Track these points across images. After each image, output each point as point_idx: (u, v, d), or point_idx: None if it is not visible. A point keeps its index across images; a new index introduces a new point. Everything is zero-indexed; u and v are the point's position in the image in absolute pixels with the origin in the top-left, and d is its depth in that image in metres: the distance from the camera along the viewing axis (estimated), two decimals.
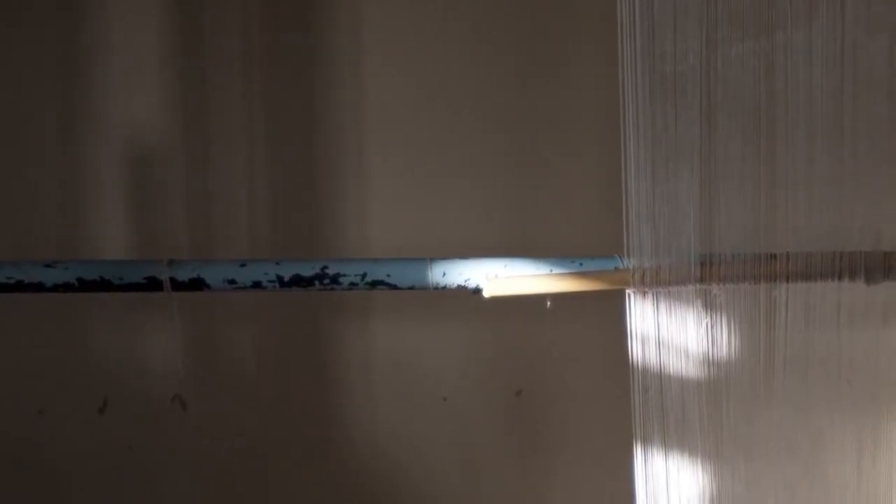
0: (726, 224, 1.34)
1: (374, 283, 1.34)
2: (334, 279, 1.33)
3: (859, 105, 1.33)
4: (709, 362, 1.36)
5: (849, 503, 1.42)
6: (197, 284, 1.32)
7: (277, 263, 1.34)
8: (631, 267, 1.32)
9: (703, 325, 1.35)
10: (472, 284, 1.34)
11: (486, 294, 1.32)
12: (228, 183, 1.93)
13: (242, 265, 1.33)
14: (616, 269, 1.34)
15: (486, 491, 2.08)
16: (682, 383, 1.37)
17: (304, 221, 1.97)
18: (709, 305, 1.35)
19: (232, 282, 1.33)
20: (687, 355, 1.36)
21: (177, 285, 1.32)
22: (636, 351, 1.35)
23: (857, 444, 1.41)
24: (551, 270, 1.35)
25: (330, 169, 1.96)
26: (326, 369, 2.02)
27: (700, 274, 1.32)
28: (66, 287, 1.31)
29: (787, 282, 1.34)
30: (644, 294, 1.33)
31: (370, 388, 2.03)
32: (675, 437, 1.37)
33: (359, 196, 1.96)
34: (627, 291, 1.33)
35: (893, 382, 1.40)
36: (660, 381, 1.36)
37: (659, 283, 1.33)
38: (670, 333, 1.35)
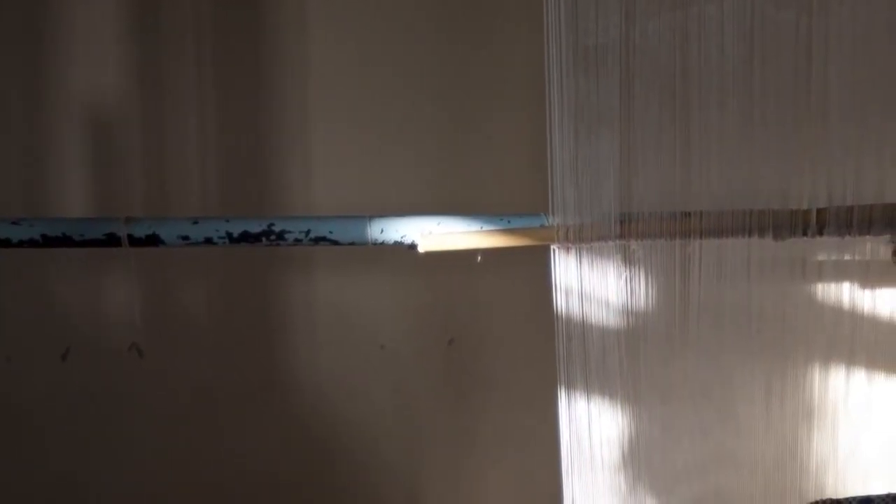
0: (644, 184, 1.40)
1: (317, 240, 1.40)
2: (280, 235, 1.39)
3: (767, 74, 1.39)
4: (627, 313, 1.43)
5: (758, 442, 1.49)
6: (152, 240, 1.38)
7: (227, 221, 1.40)
8: (555, 224, 1.39)
9: (623, 278, 1.42)
10: (408, 240, 1.40)
11: (421, 249, 1.39)
12: (181, 146, 1.95)
13: (195, 223, 1.39)
14: (542, 226, 1.40)
15: (421, 431, 2.13)
16: (603, 332, 1.43)
17: (252, 182, 2.00)
18: (628, 260, 1.41)
19: (185, 238, 1.39)
20: (607, 306, 1.42)
21: (134, 241, 1.38)
22: (560, 302, 1.41)
23: (766, 388, 1.48)
24: (482, 227, 1.40)
25: (276, 133, 1.99)
26: (273, 320, 2.05)
27: (619, 231, 1.39)
28: (31, 243, 1.38)
29: (701, 238, 1.40)
30: (568, 249, 1.39)
31: (313, 338, 2.06)
32: (597, 382, 1.43)
33: (303, 158, 1.99)
34: (552, 247, 1.40)
35: (799, 331, 1.47)
36: (582, 329, 1.42)
37: (581, 239, 1.39)
38: (592, 286, 1.41)
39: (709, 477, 1.50)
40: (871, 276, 1.47)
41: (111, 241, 1.38)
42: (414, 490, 2.16)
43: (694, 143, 1.40)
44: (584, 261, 1.41)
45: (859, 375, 1.50)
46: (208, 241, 1.39)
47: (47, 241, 1.38)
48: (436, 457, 2.15)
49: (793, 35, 1.39)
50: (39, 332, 1.96)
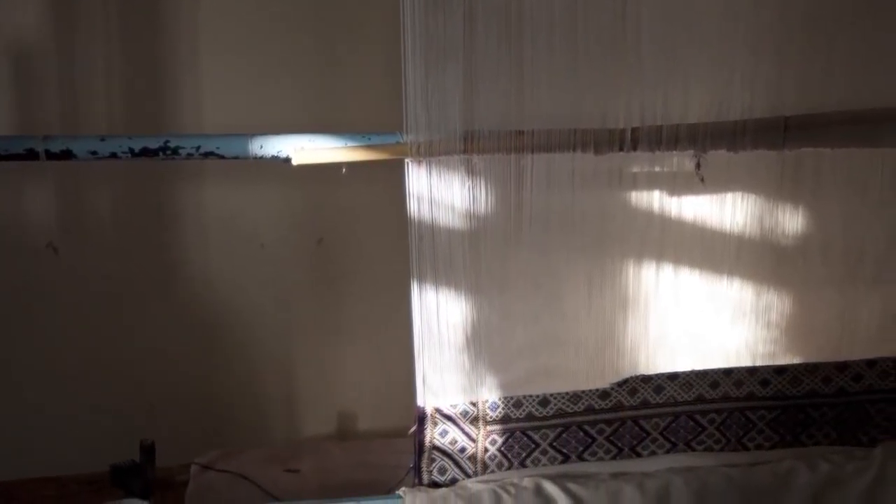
0: (484, 107, 1.57)
1: (206, 154, 1.56)
2: (175, 151, 1.55)
3: (590, 13, 1.57)
4: (470, 216, 1.61)
5: (582, 326, 1.69)
6: (66, 155, 1.53)
7: (130, 138, 1.55)
8: (409, 141, 1.55)
9: (466, 187, 1.60)
10: (283, 155, 1.56)
11: (295, 163, 1.55)
12: (91, 74, 2.11)
13: (102, 140, 1.54)
14: (397, 143, 1.56)
15: (294, 318, 2.35)
16: (450, 233, 1.61)
17: (151, 104, 2.16)
18: (470, 171, 1.59)
19: (94, 153, 1.54)
20: (453, 211, 1.60)
21: (50, 155, 1.52)
22: (413, 207, 1.59)
23: (588, 280, 1.68)
24: (346, 144, 1.57)
25: (171, 62, 2.15)
26: (169, 222, 2.24)
27: (463, 147, 1.57)
28: None
29: (532, 153, 1.59)
30: (419, 163, 1.57)
31: (203, 238, 2.26)
32: (444, 276, 1.62)
33: (194, 84, 2.16)
34: (406, 160, 1.57)
35: (615, 231, 1.67)
36: (432, 231, 1.60)
37: (431, 153, 1.56)
38: (440, 194, 1.59)
39: (540, 356, 1.70)
40: (677, 185, 1.67)
41: (31, 155, 1.52)
42: (286, 366, 2.39)
43: (527, 72, 1.58)
44: (434, 172, 1.58)
45: (667, 269, 1.70)
46: (114, 155, 1.54)
47: None
48: (306, 338, 2.37)
49: None
50: None
